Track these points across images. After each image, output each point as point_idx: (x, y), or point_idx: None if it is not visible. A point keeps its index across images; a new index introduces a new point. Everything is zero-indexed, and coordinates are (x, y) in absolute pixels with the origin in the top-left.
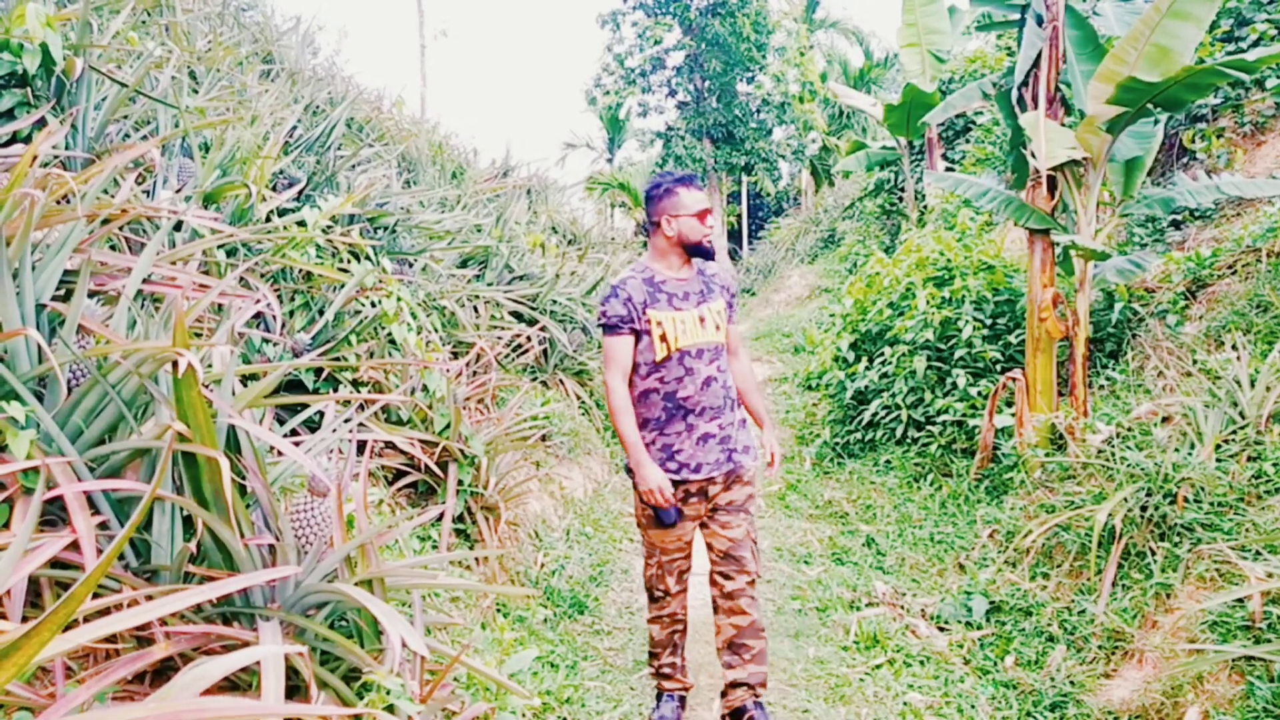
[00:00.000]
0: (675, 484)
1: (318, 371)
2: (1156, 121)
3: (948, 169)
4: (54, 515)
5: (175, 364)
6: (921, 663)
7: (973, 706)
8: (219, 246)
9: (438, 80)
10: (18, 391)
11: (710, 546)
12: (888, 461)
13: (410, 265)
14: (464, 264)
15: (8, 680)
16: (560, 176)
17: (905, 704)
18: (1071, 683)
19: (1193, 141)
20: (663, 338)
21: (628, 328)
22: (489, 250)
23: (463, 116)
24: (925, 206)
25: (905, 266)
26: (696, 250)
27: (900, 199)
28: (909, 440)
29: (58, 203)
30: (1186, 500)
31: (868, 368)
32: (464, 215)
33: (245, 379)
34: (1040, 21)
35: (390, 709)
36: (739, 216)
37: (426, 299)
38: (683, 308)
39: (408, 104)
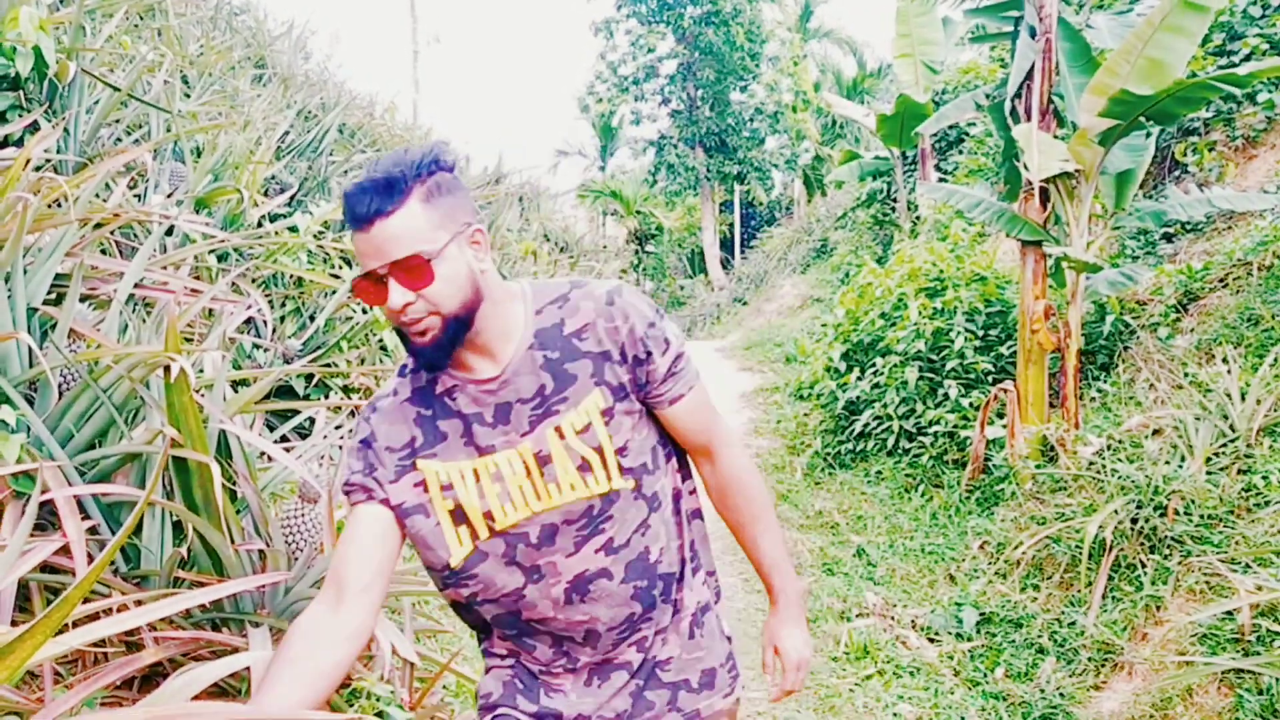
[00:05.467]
0: None
1: (309, 377)
2: (1149, 134)
3: (940, 180)
4: (43, 520)
5: (167, 369)
6: (912, 674)
7: (962, 718)
8: (210, 251)
9: (430, 86)
10: (8, 395)
11: None
12: (879, 472)
13: None
14: None
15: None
16: (552, 184)
17: (895, 715)
18: (1061, 694)
19: (1184, 155)
20: (456, 515)
21: (367, 494)
22: None
23: (455, 123)
24: (918, 217)
25: (898, 277)
26: (409, 348)
27: (893, 209)
28: (900, 451)
29: (50, 206)
30: (1177, 513)
31: (859, 378)
32: None
33: (236, 384)
34: (1033, 34)
35: (380, 715)
36: (731, 225)
37: None
38: (495, 444)
39: (400, 110)
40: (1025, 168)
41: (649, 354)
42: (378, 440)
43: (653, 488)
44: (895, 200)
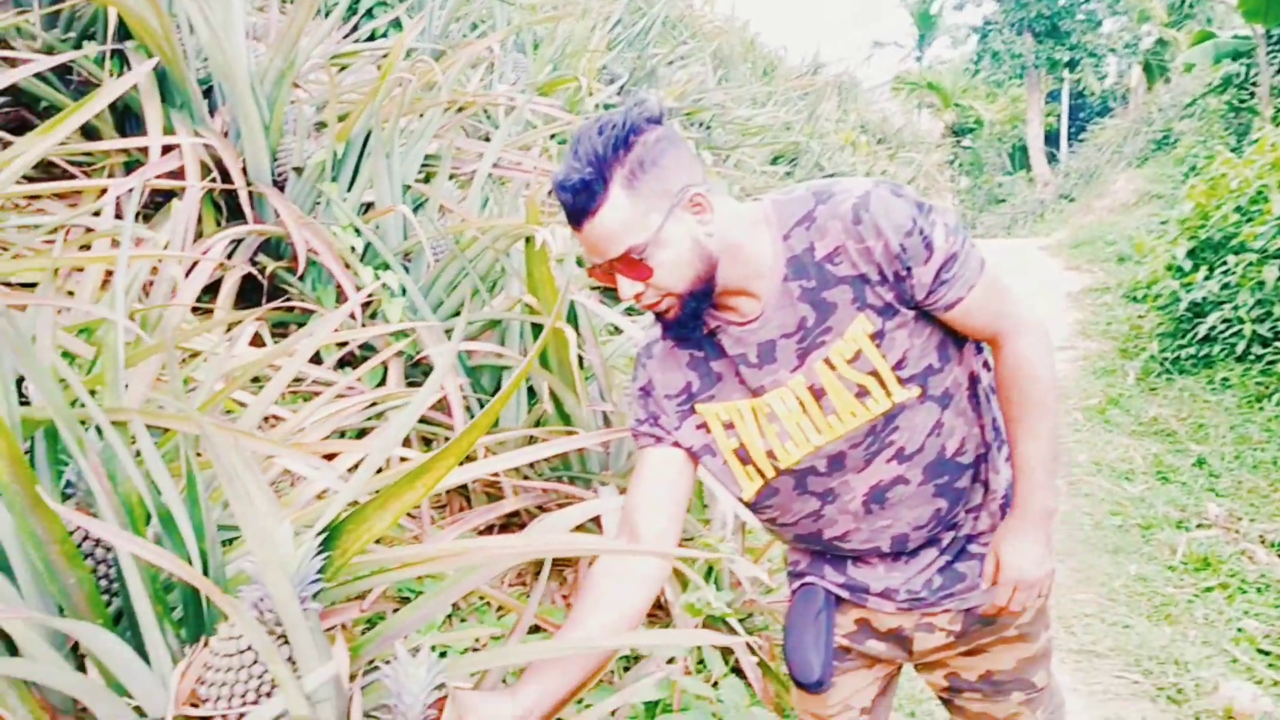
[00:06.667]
0: (840, 602)
1: None
2: None
3: None
4: (415, 378)
5: (529, 240)
6: (1259, 590)
7: None
8: (552, 136)
9: None
10: (389, 263)
11: None
12: (1224, 379)
13: (724, 160)
14: (774, 161)
15: (419, 500)
16: (867, 76)
17: (1240, 630)
18: None
19: None
20: (741, 455)
21: (655, 439)
22: (799, 147)
23: (771, 14)
24: None
25: (1258, 167)
26: (658, 320)
27: (1252, 94)
28: (1252, 357)
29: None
30: None
31: (1206, 277)
32: (774, 112)
33: (578, 260)
34: None
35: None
36: (1057, 117)
37: (741, 194)
38: (764, 385)
39: (718, 1)
40: None
41: (909, 269)
42: (656, 388)
43: (941, 385)
44: (1255, 84)
